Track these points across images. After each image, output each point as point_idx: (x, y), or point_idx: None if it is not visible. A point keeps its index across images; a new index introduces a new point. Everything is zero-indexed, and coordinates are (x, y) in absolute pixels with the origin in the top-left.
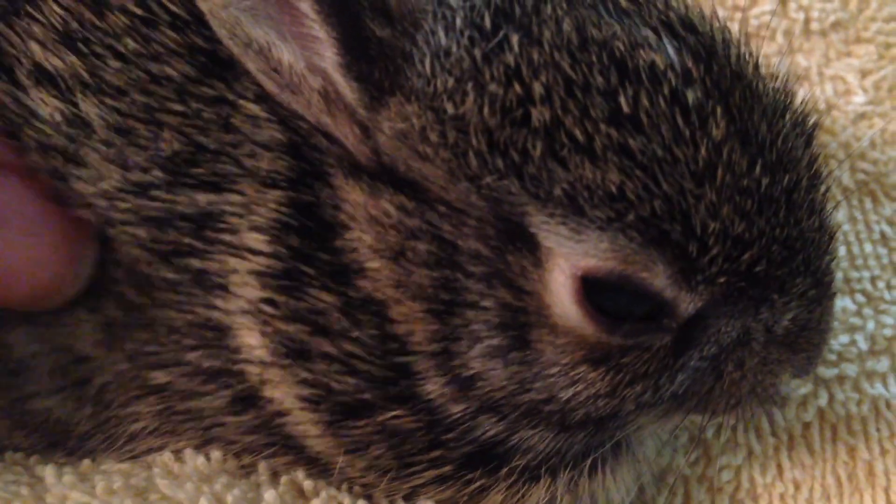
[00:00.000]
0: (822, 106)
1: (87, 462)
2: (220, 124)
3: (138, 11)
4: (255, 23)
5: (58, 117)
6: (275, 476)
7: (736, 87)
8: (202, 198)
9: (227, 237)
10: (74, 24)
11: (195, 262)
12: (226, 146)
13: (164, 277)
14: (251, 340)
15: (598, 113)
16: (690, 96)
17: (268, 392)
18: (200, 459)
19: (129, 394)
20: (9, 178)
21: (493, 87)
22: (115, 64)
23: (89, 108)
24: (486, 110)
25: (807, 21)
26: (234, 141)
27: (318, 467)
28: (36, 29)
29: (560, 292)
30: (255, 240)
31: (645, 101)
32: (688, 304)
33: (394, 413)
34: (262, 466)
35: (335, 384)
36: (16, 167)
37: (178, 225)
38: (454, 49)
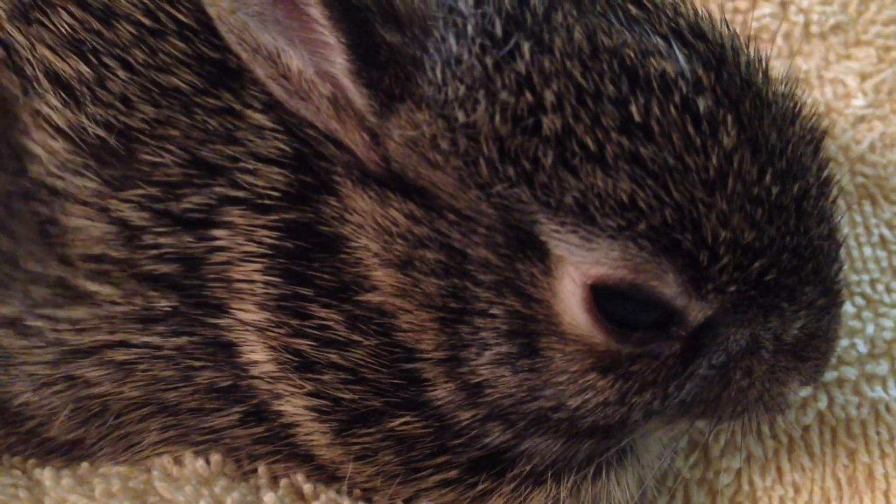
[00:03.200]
0: (821, 109)
1: (85, 465)
2: (224, 136)
3: (146, 21)
4: (264, 28)
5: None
6: (274, 479)
7: (746, 96)
8: (188, 238)
9: (218, 273)
10: (84, 34)
11: (192, 293)
12: (225, 160)
13: (161, 308)
14: (257, 356)
15: (610, 121)
16: (701, 104)
17: (277, 406)
18: (199, 463)
19: (140, 412)
20: None
21: (504, 95)
22: (122, 74)
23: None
24: (497, 118)
25: (806, 24)
26: (234, 154)
27: (326, 474)
28: (46, 35)
29: (570, 300)
30: (248, 271)
31: (656, 110)
32: (697, 312)
33: (403, 419)
34: (262, 470)
35: (344, 394)
36: None
37: (168, 268)
38: (465, 56)
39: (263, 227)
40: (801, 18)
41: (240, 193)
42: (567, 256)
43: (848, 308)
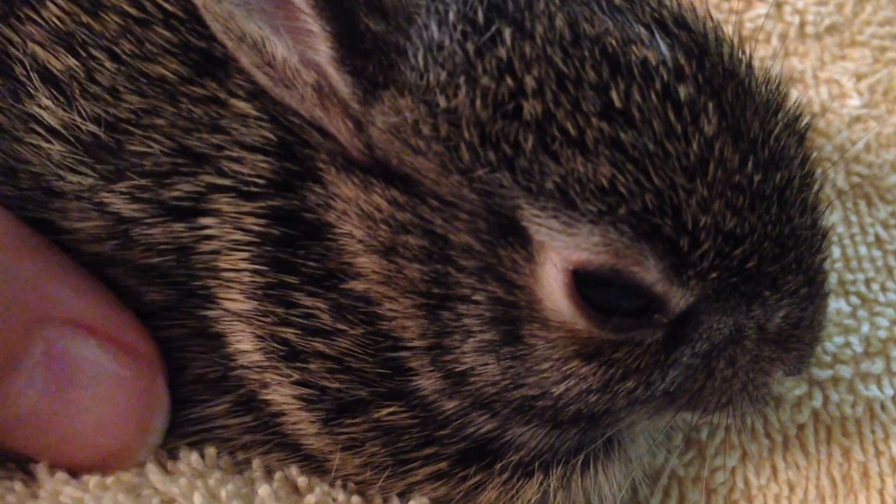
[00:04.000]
0: (816, 109)
1: None
2: (209, 125)
3: (132, 11)
4: (249, 17)
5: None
6: (269, 472)
7: (728, 85)
8: (178, 227)
9: (206, 262)
10: (72, 27)
11: (181, 285)
12: (210, 149)
13: (152, 301)
14: (245, 346)
15: (590, 107)
16: (682, 92)
17: (265, 395)
18: (194, 455)
19: None
20: (87, 340)
21: (485, 80)
22: (110, 66)
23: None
24: (478, 103)
25: (802, 24)
26: (220, 142)
27: (314, 465)
28: (35, 31)
29: (551, 286)
30: (235, 260)
31: (637, 96)
32: (679, 299)
33: (389, 410)
34: (256, 462)
35: (330, 383)
36: (97, 330)
37: (158, 260)
38: (447, 43)
39: (250, 214)
40: (796, 19)
41: (226, 181)
42: (548, 242)
43: (843, 307)
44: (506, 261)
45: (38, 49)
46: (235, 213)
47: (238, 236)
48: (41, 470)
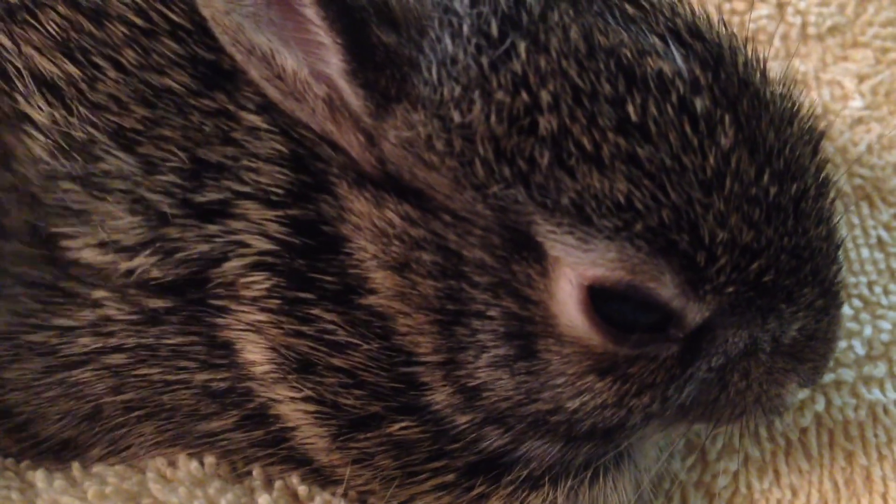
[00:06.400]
0: (819, 111)
1: (77, 466)
2: (221, 138)
3: (138, 22)
4: (258, 29)
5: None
6: (269, 481)
7: (744, 95)
8: (212, 228)
9: (228, 270)
10: (73, 34)
11: (194, 295)
12: (227, 160)
13: (161, 307)
14: (255, 356)
15: (606, 121)
16: (699, 104)
17: (276, 409)
18: (193, 464)
19: (136, 414)
20: None
21: (500, 95)
22: (114, 75)
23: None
24: (493, 118)
25: (804, 26)
26: (234, 154)
27: (322, 478)
28: (34, 36)
29: (567, 302)
30: (254, 269)
31: (653, 110)
32: (695, 314)
33: (401, 424)
34: (257, 472)
35: (343, 399)
36: None
37: (181, 267)
38: (461, 56)
39: (273, 221)
40: (798, 20)
41: (248, 189)
42: (563, 258)
43: (846, 310)
44: (520, 276)
45: (34, 53)
46: (260, 219)
47: (260, 244)
48: (39, 479)
